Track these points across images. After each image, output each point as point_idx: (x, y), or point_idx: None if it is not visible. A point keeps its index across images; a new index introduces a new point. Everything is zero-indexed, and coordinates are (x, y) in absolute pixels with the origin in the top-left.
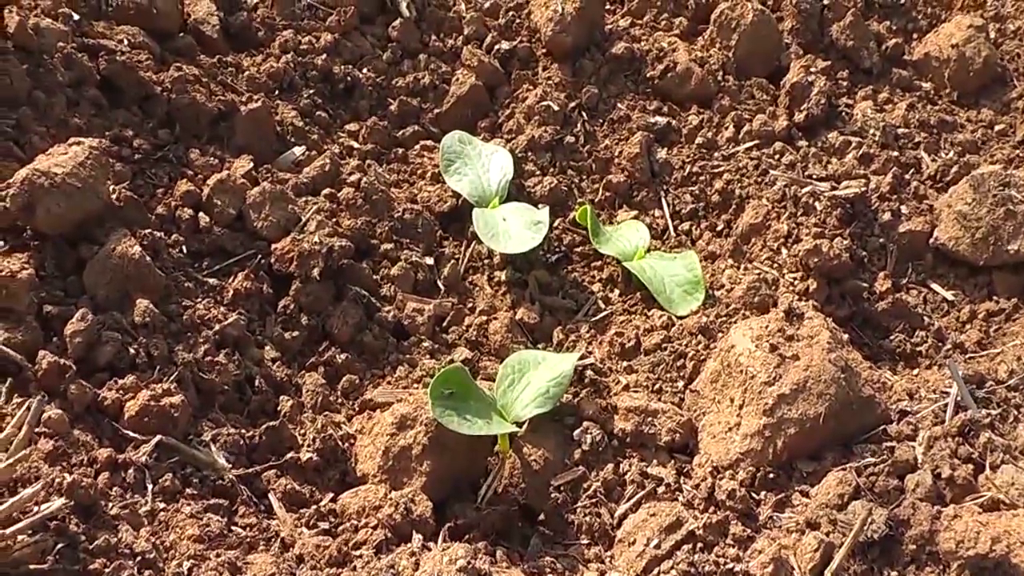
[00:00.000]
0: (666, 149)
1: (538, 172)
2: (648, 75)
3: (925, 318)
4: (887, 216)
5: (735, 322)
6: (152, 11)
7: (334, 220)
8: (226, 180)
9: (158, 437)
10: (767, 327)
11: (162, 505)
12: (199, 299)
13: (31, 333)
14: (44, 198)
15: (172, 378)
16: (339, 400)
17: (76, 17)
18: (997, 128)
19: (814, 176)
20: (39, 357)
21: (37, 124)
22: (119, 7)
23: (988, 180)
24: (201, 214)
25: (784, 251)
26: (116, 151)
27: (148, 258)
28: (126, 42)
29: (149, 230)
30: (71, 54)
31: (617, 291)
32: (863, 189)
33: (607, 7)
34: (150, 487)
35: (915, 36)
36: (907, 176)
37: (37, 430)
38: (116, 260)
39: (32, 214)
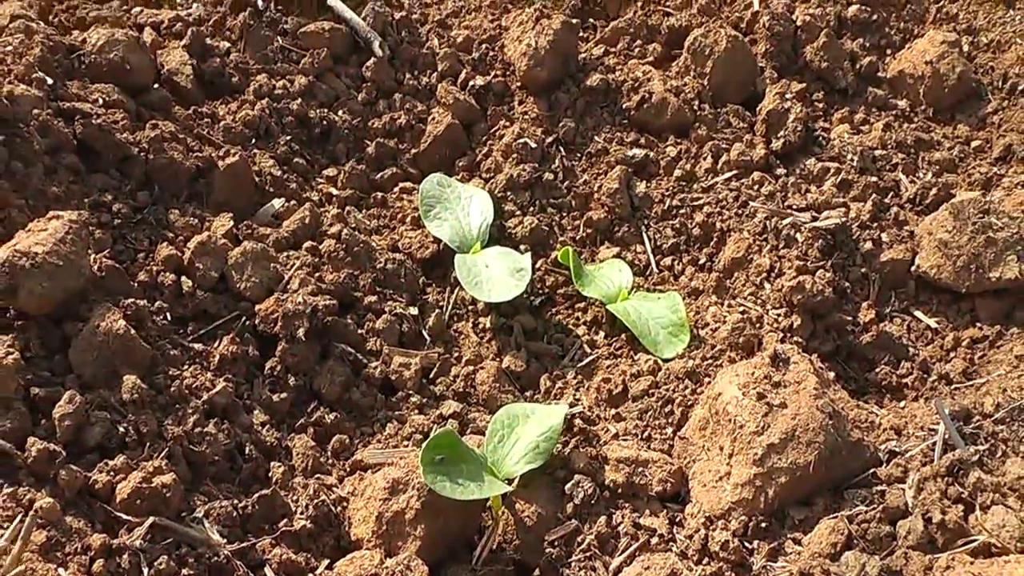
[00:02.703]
0: (645, 182)
1: (518, 212)
2: (624, 106)
3: (910, 348)
4: (868, 245)
5: (721, 365)
6: (125, 67)
7: (317, 275)
8: (207, 242)
9: (151, 518)
10: (753, 374)
11: None
12: (186, 366)
13: (19, 419)
14: (27, 280)
15: (163, 455)
16: (330, 461)
17: (50, 81)
18: (974, 144)
19: (794, 206)
20: (28, 444)
21: (15, 197)
22: (92, 64)
23: (968, 207)
24: (184, 278)
25: (767, 286)
26: (95, 218)
27: (133, 330)
28: (101, 101)
29: (132, 299)
30: (47, 121)
31: (602, 333)
32: (843, 219)
33: (580, 35)
34: (146, 571)
35: (889, 52)
36: (887, 200)
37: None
38: (101, 337)
39: (15, 296)
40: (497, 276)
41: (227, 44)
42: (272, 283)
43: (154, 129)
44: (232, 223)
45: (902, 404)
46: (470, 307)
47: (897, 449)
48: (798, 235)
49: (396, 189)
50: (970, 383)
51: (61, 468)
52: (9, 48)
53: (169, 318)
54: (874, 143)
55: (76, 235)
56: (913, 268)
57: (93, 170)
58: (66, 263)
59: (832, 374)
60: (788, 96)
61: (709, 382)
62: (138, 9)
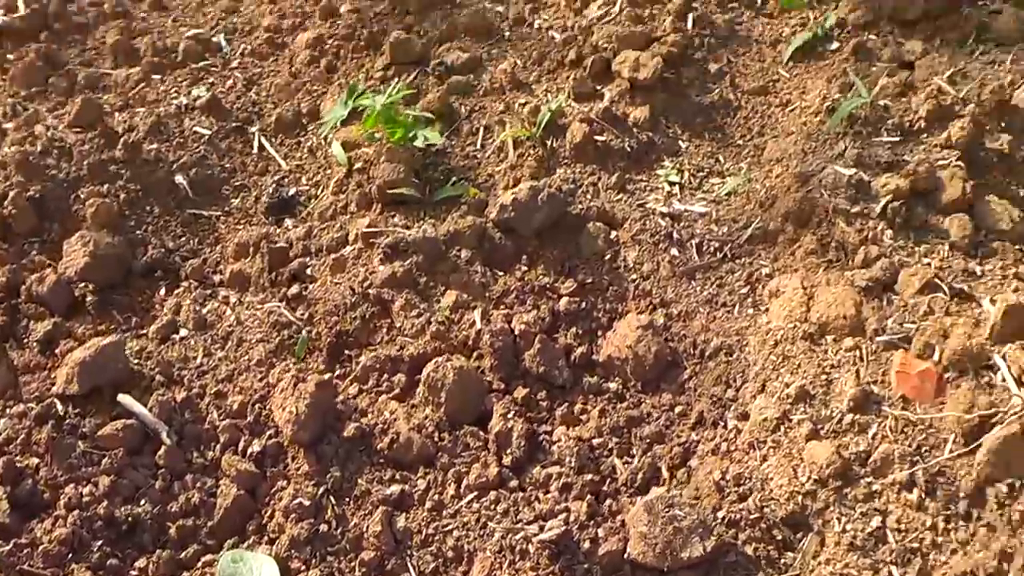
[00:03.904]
0: (405, 515)
1: (303, 567)
2: (379, 447)
3: None
4: (587, 544)
5: None
6: None
7: None
8: None
9: None
10: None
11: None
12: None
13: None
14: None
15: None
16: None
17: None
18: (677, 410)
19: (524, 520)
20: None
21: None
22: None
23: (657, 504)
24: None
25: None
26: None
27: None
28: None
29: None
30: None
31: None
32: (564, 526)
33: (337, 373)
34: None
35: (600, 333)
36: (604, 488)
37: None
38: None
39: None
40: None
41: (36, 460)
42: None
43: None
44: None
45: None
46: None
47: None
48: (530, 547)
49: (200, 564)
50: None
51: None
52: None
53: None
54: (591, 433)
55: None
56: (626, 555)
57: None
58: None
59: None
60: (511, 414)
61: None
62: None
